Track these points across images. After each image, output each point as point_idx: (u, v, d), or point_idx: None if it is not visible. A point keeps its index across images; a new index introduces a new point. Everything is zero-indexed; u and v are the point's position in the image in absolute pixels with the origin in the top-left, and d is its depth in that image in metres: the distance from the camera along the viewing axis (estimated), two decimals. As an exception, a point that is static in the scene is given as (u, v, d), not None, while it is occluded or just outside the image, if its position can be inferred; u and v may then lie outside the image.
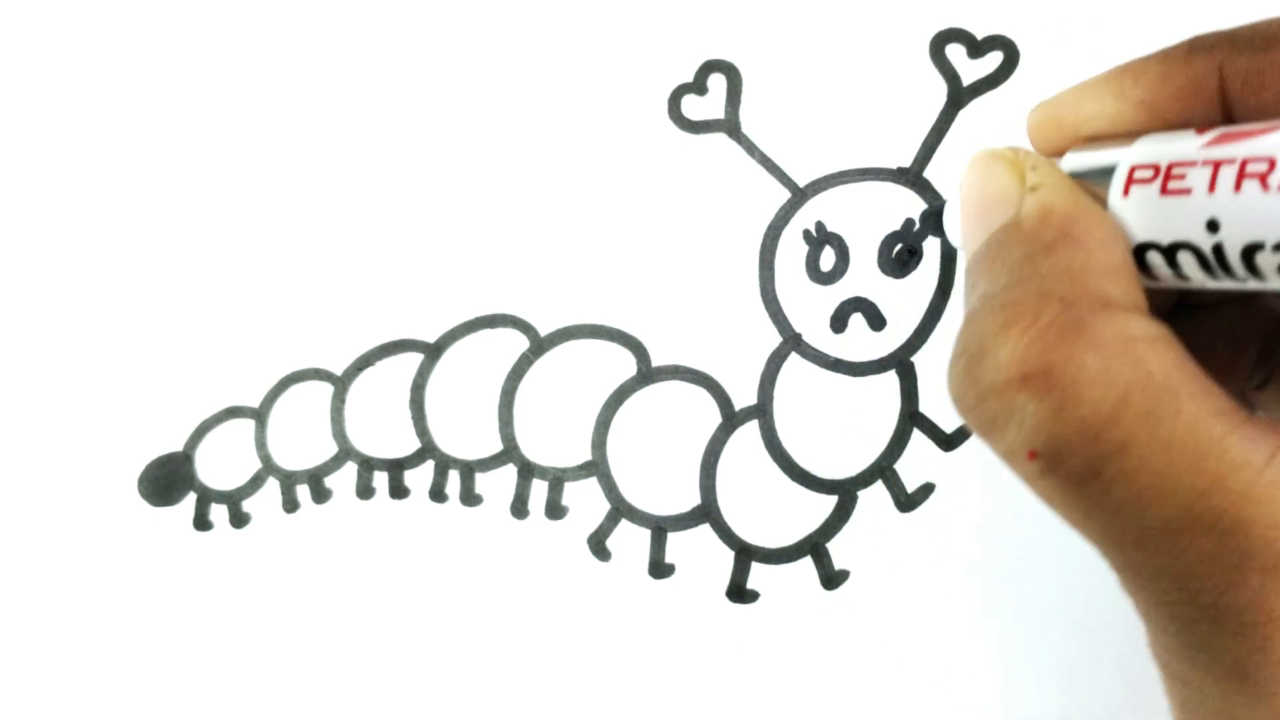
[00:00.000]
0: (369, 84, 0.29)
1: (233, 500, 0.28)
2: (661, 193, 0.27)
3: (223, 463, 0.29)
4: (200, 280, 0.29)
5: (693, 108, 0.27)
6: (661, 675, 0.26)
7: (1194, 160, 0.16)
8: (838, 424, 0.26)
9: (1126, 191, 0.17)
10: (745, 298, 0.27)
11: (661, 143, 0.27)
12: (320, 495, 0.28)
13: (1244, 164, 0.15)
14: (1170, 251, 0.16)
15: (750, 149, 0.27)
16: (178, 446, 0.29)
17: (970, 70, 0.26)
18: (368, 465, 0.28)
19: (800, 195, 0.27)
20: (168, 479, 0.29)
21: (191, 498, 0.29)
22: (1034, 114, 0.19)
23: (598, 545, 0.27)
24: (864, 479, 0.26)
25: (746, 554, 0.26)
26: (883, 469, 0.26)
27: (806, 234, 0.26)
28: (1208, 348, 0.21)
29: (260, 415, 0.29)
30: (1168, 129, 0.17)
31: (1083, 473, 0.15)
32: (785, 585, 0.26)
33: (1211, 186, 0.15)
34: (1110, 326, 0.15)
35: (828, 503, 0.26)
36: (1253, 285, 0.15)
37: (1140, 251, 0.17)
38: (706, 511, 0.26)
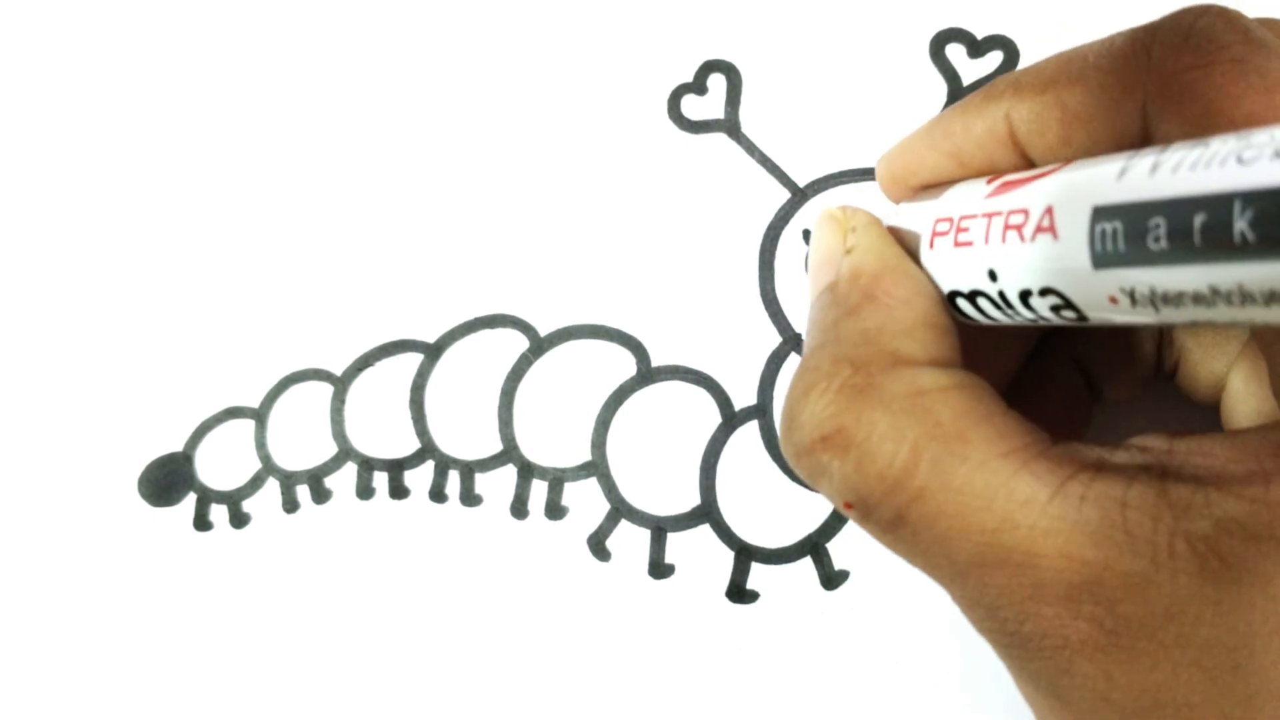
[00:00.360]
0: (369, 84, 0.29)
1: (233, 500, 0.28)
2: (661, 193, 0.27)
3: (223, 463, 0.29)
4: (200, 280, 0.29)
5: (693, 108, 0.27)
6: (661, 675, 0.26)
7: (975, 213, 0.17)
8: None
9: (932, 245, 0.18)
10: (745, 298, 0.27)
11: (661, 143, 0.27)
12: (320, 495, 0.28)
13: (1008, 215, 0.16)
14: (972, 298, 0.17)
15: (750, 149, 0.27)
16: (178, 446, 0.29)
17: (970, 70, 0.26)
18: (368, 465, 0.28)
19: (800, 195, 0.27)
20: (168, 479, 0.29)
21: (191, 498, 0.29)
22: (878, 166, 0.20)
23: (598, 545, 0.27)
24: (864, 479, 0.26)
25: (746, 554, 0.26)
26: (883, 469, 0.26)
27: (806, 234, 0.26)
28: (1102, 351, 0.22)
29: (260, 415, 0.29)
30: (977, 176, 0.18)
31: (890, 520, 0.16)
32: (785, 585, 0.26)
33: (986, 238, 0.16)
34: (898, 382, 0.16)
35: (827, 503, 0.26)
36: (1045, 323, 0.16)
37: (953, 298, 0.18)
38: (706, 511, 0.26)
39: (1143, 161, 0.13)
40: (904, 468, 0.16)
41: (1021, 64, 0.26)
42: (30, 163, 0.30)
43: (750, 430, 0.26)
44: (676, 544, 0.26)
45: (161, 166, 0.30)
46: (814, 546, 0.26)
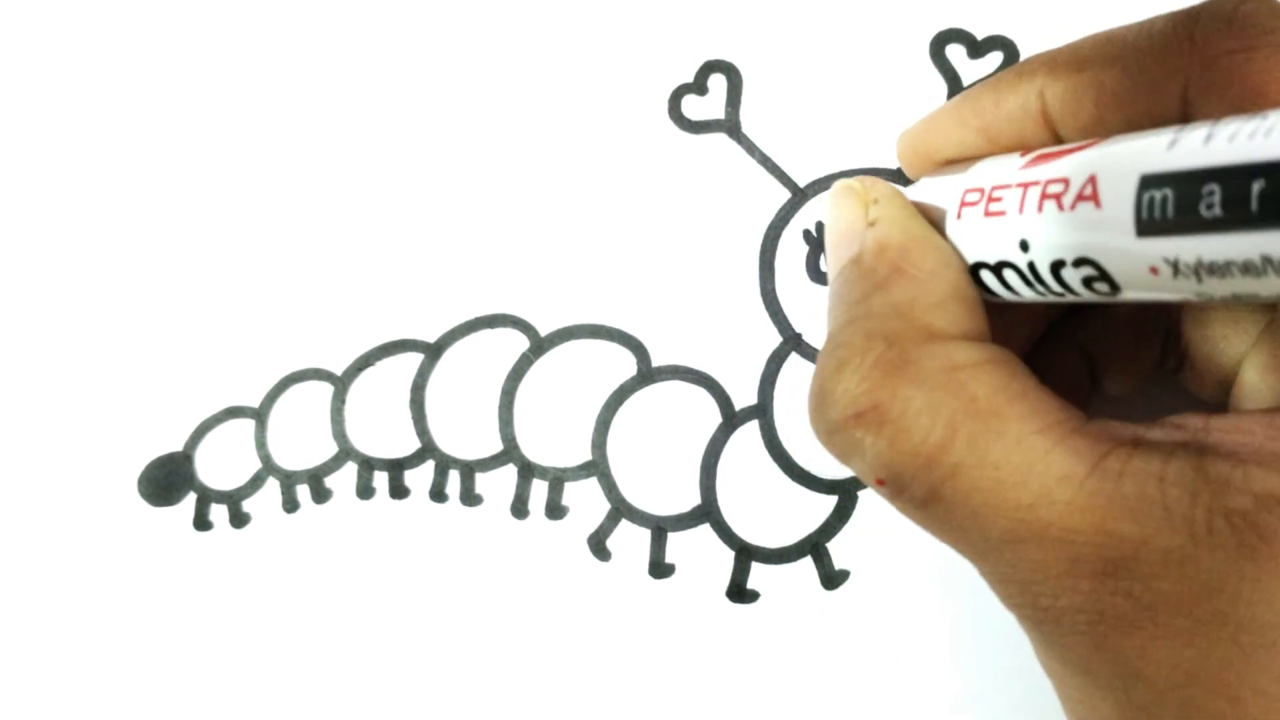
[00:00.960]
0: (368, 84, 0.29)
1: (233, 500, 0.28)
2: (661, 193, 0.27)
3: (223, 463, 0.29)
4: (200, 280, 0.29)
5: (693, 108, 0.27)
6: (661, 675, 0.26)
7: (1009, 183, 0.17)
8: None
9: (959, 215, 0.18)
10: (745, 298, 0.27)
11: (661, 143, 0.27)
12: (320, 495, 0.28)
13: (1046, 185, 0.16)
14: (998, 270, 0.17)
15: (750, 149, 0.27)
16: (178, 446, 0.29)
17: (970, 70, 0.26)
18: (368, 465, 0.28)
19: (800, 195, 0.27)
20: (168, 479, 0.29)
21: (191, 498, 0.29)
22: (899, 142, 0.20)
23: (598, 545, 0.27)
24: (864, 479, 0.26)
25: (746, 554, 0.26)
26: (883, 469, 0.26)
27: (806, 234, 0.26)
28: (1109, 342, 0.22)
29: (260, 415, 0.29)
30: (1006, 152, 0.18)
31: (924, 497, 0.16)
32: (785, 585, 0.26)
33: (1021, 208, 0.16)
34: (934, 358, 0.16)
35: (828, 503, 0.26)
36: (1070, 299, 0.16)
37: (976, 271, 0.17)
38: (706, 511, 0.26)
39: (1195, 133, 0.13)
40: (939, 444, 0.15)
41: (1021, 64, 0.26)
42: (30, 163, 0.30)
43: (750, 430, 0.26)
44: (677, 544, 0.26)
45: (162, 167, 0.30)
46: (814, 546, 0.26)
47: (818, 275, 0.26)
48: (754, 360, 0.27)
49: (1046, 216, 0.15)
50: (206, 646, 0.28)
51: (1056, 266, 0.16)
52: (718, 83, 0.27)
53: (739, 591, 0.26)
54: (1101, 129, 0.16)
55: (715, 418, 0.27)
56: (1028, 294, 0.17)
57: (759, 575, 0.26)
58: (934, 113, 0.19)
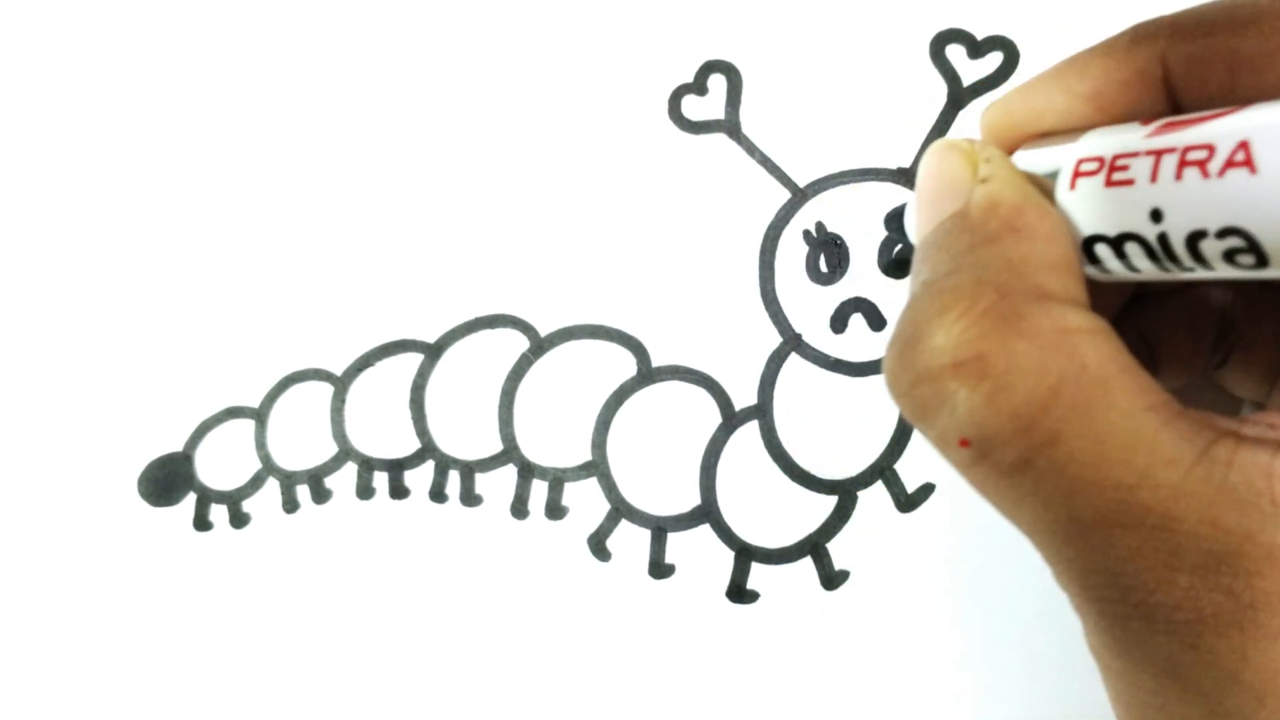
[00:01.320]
0: (369, 84, 0.29)
1: (233, 500, 0.28)
2: (661, 193, 0.27)
3: (223, 463, 0.29)
4: (200, 280, 0.29)
5: (693, 108, 0.27)
6: (661, 675, 0.26)
7: (1137, 151, 0.16)
8: (838, 424, 0.26)
9: (1073, 185, 0.17)
10: (745, 298, 0.27)
11: (661, 143, 0.27)
12: (320, 495, 0.28)
13: (1185, 152, 0.15)
14: (1118, 243, 0.16)
15: (750, 149, 0.27)
16: (178, 446, 0.29)
17: (970, 70, 0.26)
18: (368, 465, 0.28)
19: (800, 195, 0.27)
20: (168, 479, 0.29)
21: (191, 498, 0.29)
22: (988, 112, 0.19)
23: (598, 545, 0.27)
24: (864, 479, 0.26)
25: (746, 554, 0.26)
26: (883, 469, 0.26)
27: (806, 234, 0.26)
28: (1168, 333, 0.21)
29: (260, 415, 0.29)
30: (1116, 122, 0.17)
31: (1013, 463, 0.15)
32: (785, 585, 0.26)
33: (1154, 176, 0.15)
34: (1046, 317, 0.15)
35: (828, 503, 0.26)
36: (1200, 274, 0.15)
37: (1089, 245, 0.17)
38: (706, 511, 0.26)
39: None
40: (1042, 405, 0.14)
41: (1021, 65, 0.26)
42: (30, 164, 0.30)
43: (750, 430, 0.26)
44: (676, 544, 0.26)
45: (162, 168, 0.30)
46: (814, 546, 0.26)
47: (818, 275, 0.26)
48: (754, 360, 0.27)
49: (1187, 184, 0.15)
50: (207, 646, 0.28)
51: (1195, 238, 0.15)
52: (718, 83, 0.27)
53: (739, 592, 0.26)
54: (1232, 97, 0.16)
55: (715, 418, 0.27)
56: (1147, 269, 0.16)
57: (759, 575, 0.26)
58: (1031, 80, 0.18)
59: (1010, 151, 0.19)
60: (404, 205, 0.28)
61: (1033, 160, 0.18)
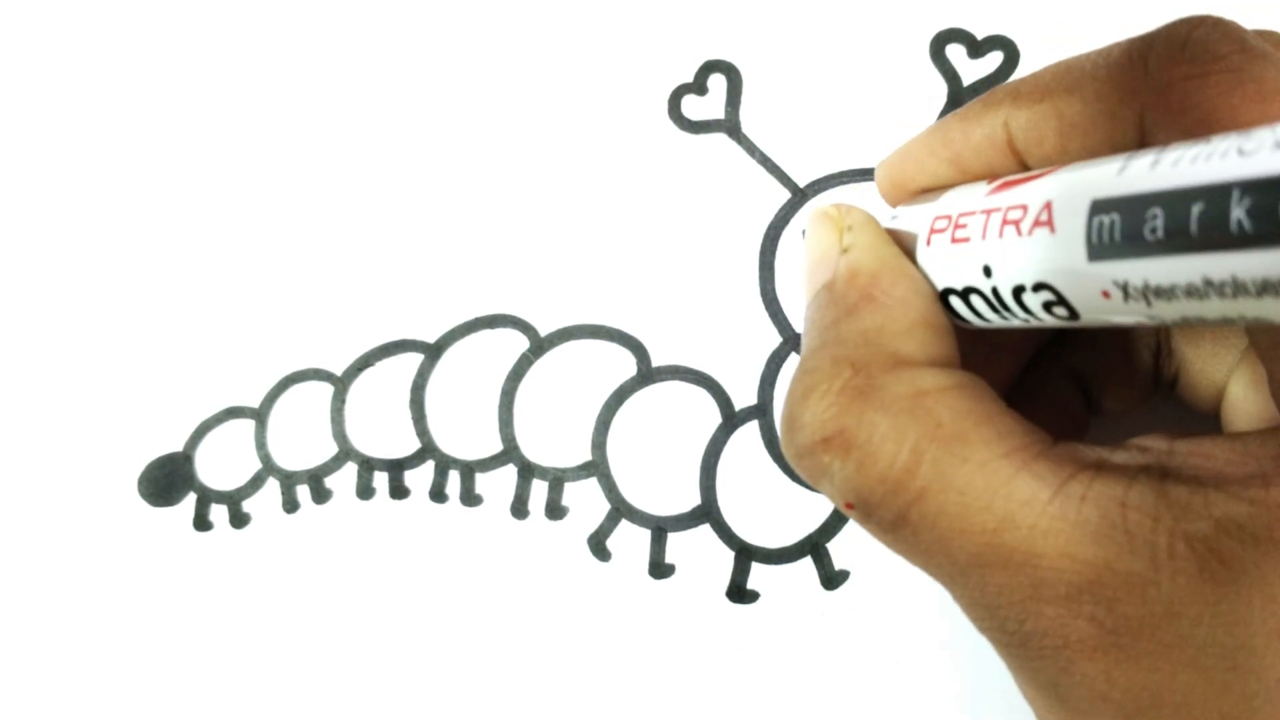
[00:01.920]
0: (369, 84, 0.29)
1: (233, 500, 0.28)
2: (661, 193, 0.27)
3: (223, 463, 0.29)
4: (200, 280, 0.29)
5: (693, 108, 0.27)
6: (661, 675, 0.26)
7: (974, 209, 0.17)
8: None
9: (929, 242, 0.18)
10: (745, 298, 0.27)
11: (661, 143, 0.27)
12: (320, 495, 0.28)
13: (1006, 211, 0.16)
14: (965, 296, 0.17)
15: (750, 149, 0.27)
16: (178, 446, 0.29)
17: (970, 70, 0.26)
18: (368, 465, 0.28)
19: (800, 195, 0.27)
20: (168, 479, 0.29)
21: (191, 498, 0.29)
22: (877, 171, 0.21)
23: (598, 545, 0.27)
24: (864, 479, 0.26)
25: (746, 554, 0.26)
26: (883, 469, 0.26)
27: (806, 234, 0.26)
28: (1102, 364, 0.22)
29: (260, 415, 0.29)
30: (974, 181, 0.18)
31: (891, 520, 0.16)
32: (785, 585, 0.26)
33: (984, 234, 0.16)
34: (900, 384, 0.16)
35: (828, 503, 0.26)
36: (1034, 324, 0.16)
37: (945, 297, 0.18)
38: (706, 511, 0.26)
39: (1143, 159, 0.13)
40: (905, 468, 0.16)
41: (1022, 64, 0.26)
42: (30, 163, 0.30)
43: (750, 430, 0.26)
44: (676, 544, 0.26)
45: (162, 167, 0.30)
46: (814, 546, 0.26)
47: (818, 275, 0.26)
48: (754, 360, 0.27)
49: (1006, 242, 0.16)
50: (207, 647, 0.28)
51: (1018, 291, 0.16)
52: (718, 83, 0.27)
53: (739, 591, 0.26)
54: (1064, 157, 0.17)
55: (715, 418, 0.27)
56: (994, 319, 0.17)
57: (759, 575, 0.26)
58: (908, 143, 0.20)
59: (895, 207, 0.20)
60: (404, 205, 0.28)
61: (906, 218, 0.19)
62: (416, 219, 0.28)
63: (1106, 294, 0.14)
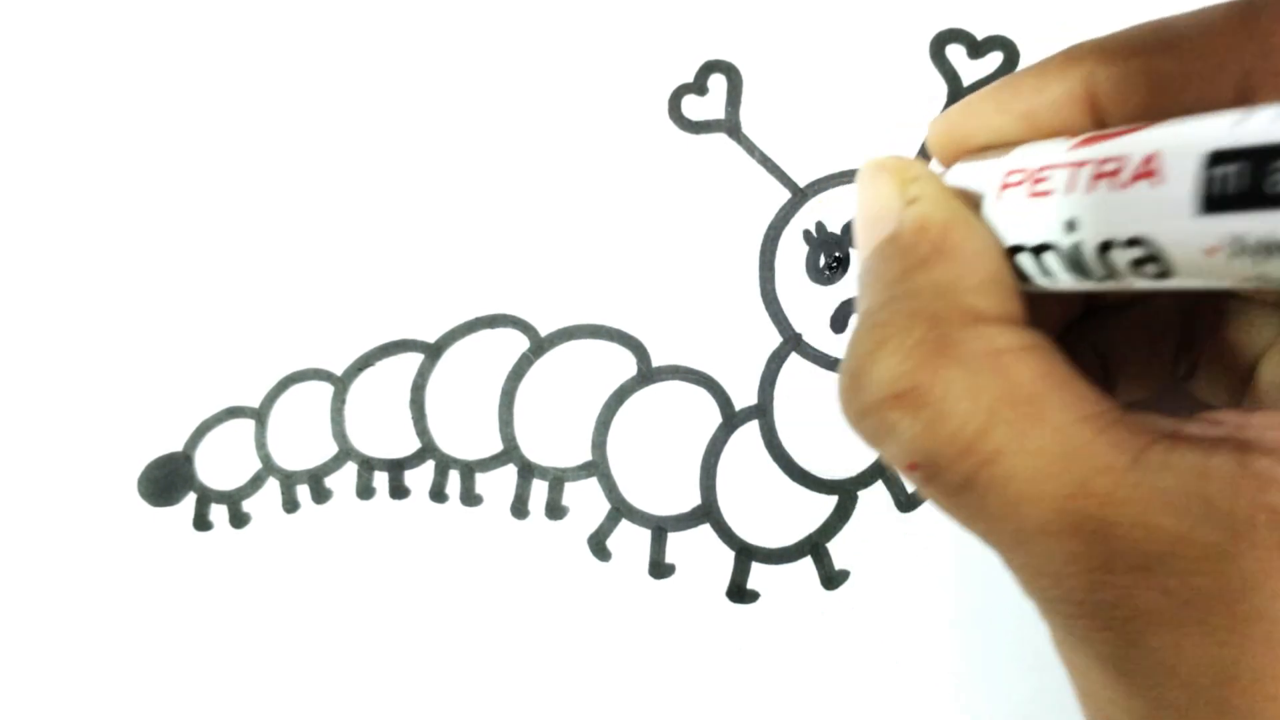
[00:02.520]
0: (369, 84, 0.29)
1: (233, 500, 0.28)
2: (661, 193, 0.27)
3: (223, 463, 0.29)
4: (200, 280, 0.29)
5: (693, 108, 0.27)
6: (661, 675, 0.26)
7: (1058, 163, 0.16)
8: (838, 424, 0.26)
9: (1000, 196, 0.17)
10: (745, 298, 0.27)
11: (661, 143, 0.27)
12: (320, 495, 0.28)
13: (1100, 164, 0.15)
14: (1037, 253, 0.17)
15: (750, 149, 0.27)
16: (178, 446, 0.29)
17: (970, 70, 0.26)
18: (368, 465, 0.28)
19: (800, 195, 0.27)
20: (168, 479, 0.29)
21: (191, 498, 0.29)
22: (930, 128, 0.20)
23: (598, 545, 0.27)
24: (864, 479, 0.26)
25: (746, 554, 0.26)
26: (883, 469, 0.26)
27: (806, 234, 0.26)
28: (1124, 346, 0.21)
29: (260, 415, 0.29)
30: (1047, 138, 0.18)
31: (958, 483, 0.16)
32: (785, 585, 0.26)
33: (1070, 187, 0.16)
34: (977, 341, 0.16)
35: (828, 503, 0.26)
36: (1111, 285, 0.16)
37: (1013, 255, 0.17)
38: (706, 511, 0.26)
39: (1263, 113, 0.13)
40: (979, 429, 0.15)
41: (1022, 64, 0.26)
42: (30, 163, 0.30)
43: (750, 430, 0.26)
44: (677, 544, 0.26)
45: (162, 167, 0.30)
46: (814, 546, 0.26)
47: (818, 275, 0.26)
48: (754, 360, 0.27)
49: (1098, 195, 0.15)
50: (206, 646, 0.28)
51: (1104, 247, 0.15)
52: (718, 83, 0.27)
53: (739, 591, 0.26)
54: (1152, 115, 0.16)
55: (715, 418, 0.27)
56: (1064, 279, 0.17)
57: (759, 575, 0.26)
58: (970, 98, 0.19)
59: (950, 165, 0.19)
60: (404, 205, 0.28)
61: (967, 174, 0.19)
62: (417, 219, 0.28)
63: (1213, 250, 0.13)
